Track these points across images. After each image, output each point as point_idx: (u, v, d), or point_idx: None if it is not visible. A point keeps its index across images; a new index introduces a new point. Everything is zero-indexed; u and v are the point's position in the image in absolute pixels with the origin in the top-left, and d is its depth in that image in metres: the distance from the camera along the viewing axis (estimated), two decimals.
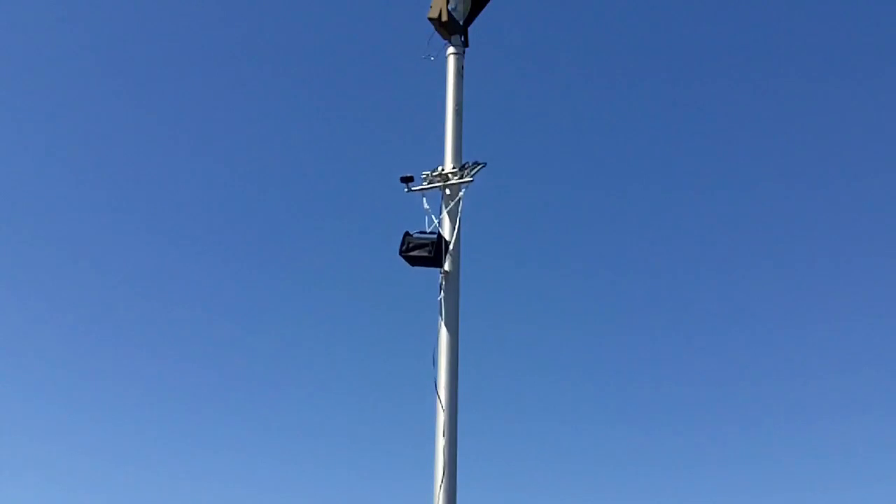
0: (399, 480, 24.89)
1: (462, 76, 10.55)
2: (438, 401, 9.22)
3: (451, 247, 9.69)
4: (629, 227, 31.18)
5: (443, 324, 9.56)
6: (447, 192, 9.94)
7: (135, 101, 31.32)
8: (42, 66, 30.48)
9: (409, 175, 9.94)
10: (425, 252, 9.52)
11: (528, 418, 27.85)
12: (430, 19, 10.60)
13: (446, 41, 10.67)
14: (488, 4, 10.88)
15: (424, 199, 9.91)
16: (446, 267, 9.65)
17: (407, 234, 9.65)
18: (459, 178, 9.90)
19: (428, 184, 9.95)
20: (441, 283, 9.65)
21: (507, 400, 28.01)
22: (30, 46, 30.27)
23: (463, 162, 10.05)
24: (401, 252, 9.60)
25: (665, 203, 31.41)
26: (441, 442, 9.13)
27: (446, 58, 10.59)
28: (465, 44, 10.73)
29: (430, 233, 9.67)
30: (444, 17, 10.50)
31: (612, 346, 29.68)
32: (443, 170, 10.01)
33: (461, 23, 10.72)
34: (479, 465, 22.93)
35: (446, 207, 9.89)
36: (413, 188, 9.96)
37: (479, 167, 9.91)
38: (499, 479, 25.08)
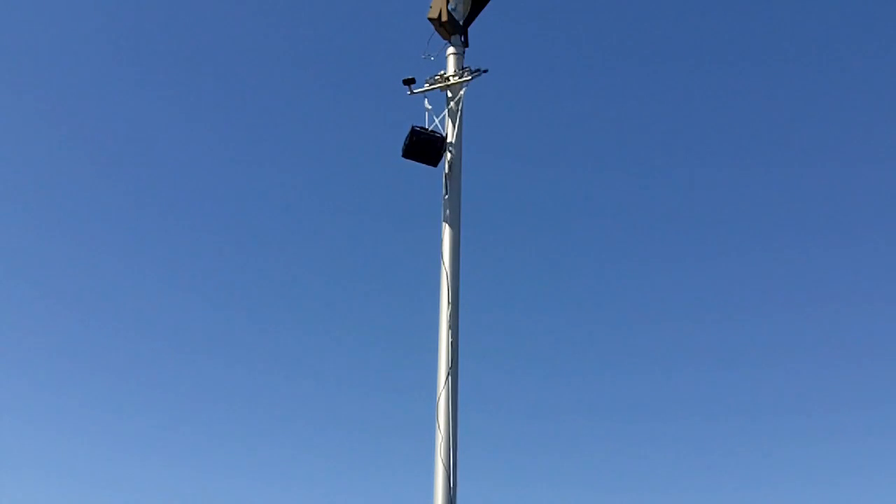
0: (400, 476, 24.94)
1: (462, 76, 10.58)
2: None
3: (450, 145, 9.96)
4: (625, 228, 31.24)
5: (445, 224, 9.76)
6: (448, 93, 10.24)
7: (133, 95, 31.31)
8: (43, 65, 30.48)
9: (411, 77, 10.19)
10: (433, 149, 9.80)
11: (527, 413, 27.90)
12: (430, 19, 10.72)
13: (446, 41, 10.73)
14: (488, 4, 10.94)
15: (426, 99, 10.20)
16: (446, 166, 9.89)
17: (414, 127, 9.86)
18: (460, 79, 10.24)
19: (429, 86, 10.23)
20: (445, 183, 9.84)
21: (506, 395, 28.07)
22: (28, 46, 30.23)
23: (464, 66, 10.43)
24: (410, 142, 9.80)
25: (663, 201, 31.48)
26: (443, 401, 9.18)
27: (446, 58, 10.65)
28: (465, 44, 10.80)
29: (432, 131, 9.91)
30: (444, 17, 10.62)
31: (611, 335, 29.78)
32: (444, 73, 10.34)
33: (461, 23, 10.78)
34: (479, 460, 22.97)
35: (447, 107, 10.17)
36: (415, 90, 10.19)
37: (480, 72, 10.26)
38: (498, 473, 25.15)
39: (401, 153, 9.92)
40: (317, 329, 30.08)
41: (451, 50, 10.70)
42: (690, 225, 30.80)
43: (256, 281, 30.25)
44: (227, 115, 31.94)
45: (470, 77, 10.24)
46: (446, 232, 9.70)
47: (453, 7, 10.80)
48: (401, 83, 10.21)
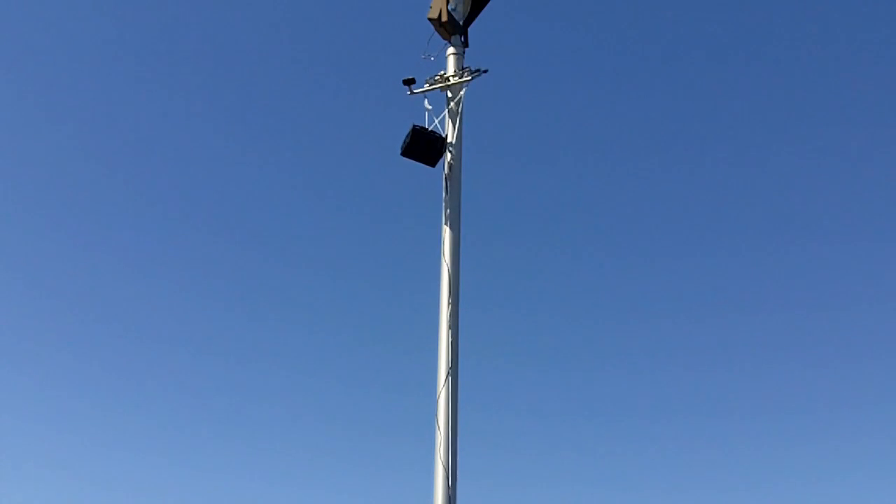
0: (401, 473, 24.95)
1: (462, 76, 10.58)
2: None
3: (450, 145, 9.98)
4: (625, 227, 31.25)
5: (445, 224, 9.76)
6: (448, 93, 10.25)
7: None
8: (43, 65, 30.50)
9: (411, 77, 10.19)
10: (432, 149, 9.82)
11: (527, 413, 27.90)
12: (430, 19, 10.74)
13: (446, 41, 10.74)
14: (488, 4, 10.94)
15: (426, 99, 10.22)
16: (447, 166, 9.90)
17: (414, 127, 9.89)
18: (460, 79, 10.23)
19: (429, 86, 10.24)
20: (445, 183, 9.85)
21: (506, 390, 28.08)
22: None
23: (464, 66, 10.43)
24: (411, 140, 9.82)
25: (663, 200, 31.49)
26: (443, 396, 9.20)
27: (446, 58, 10.65)
28: (465, 44, 10.79)
29: (432, 131, 9.93)
30: (444, 17, 10.63)
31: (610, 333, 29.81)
32: (444, 74, 10.34)
33: (461, 23, 10.78)
34: (479, 460, 22.97)
35: (447, 108, 10.18)
36: (415, 90, 10.19)
37: (480, 72, 10.27)
38: (498, 473, 25.15)
39: (399, 151, 9.91)
40: (317, 329, 30.10)
41: (451, 50, 10.70)
42: (690, 224, 30.84)
43: (256, 281, 30.28)
44: (226, 115, 31.98)
45: (470, 77, 10.25)
46: (446, 232, 9.71)
47: (453, 7, 10.81)
48: (401, 83, 10.21)
